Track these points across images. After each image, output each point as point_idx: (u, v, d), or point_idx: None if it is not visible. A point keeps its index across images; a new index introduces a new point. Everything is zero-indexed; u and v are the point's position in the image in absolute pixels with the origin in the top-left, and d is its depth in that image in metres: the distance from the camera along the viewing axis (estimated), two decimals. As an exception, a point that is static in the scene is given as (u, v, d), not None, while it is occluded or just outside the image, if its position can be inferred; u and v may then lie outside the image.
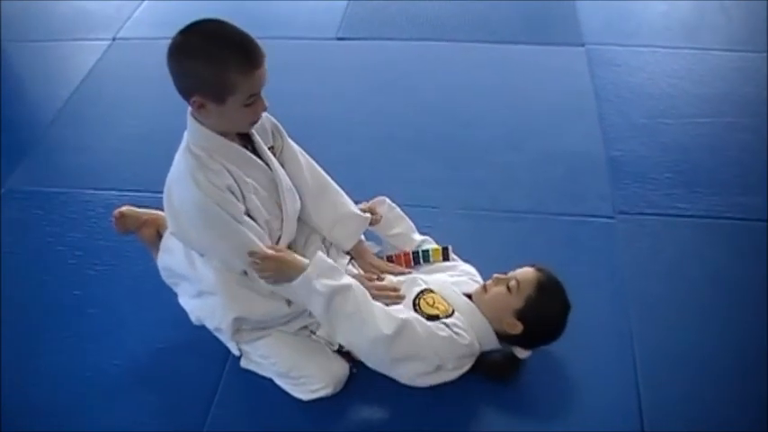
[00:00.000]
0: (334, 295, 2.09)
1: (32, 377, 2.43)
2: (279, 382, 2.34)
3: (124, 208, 2.55)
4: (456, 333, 2.19)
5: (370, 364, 2.21)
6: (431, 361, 2.16)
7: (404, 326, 2.12)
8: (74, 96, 3.79)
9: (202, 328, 2.41)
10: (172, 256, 2.38)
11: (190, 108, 2.10)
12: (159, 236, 2.49)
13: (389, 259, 2.54)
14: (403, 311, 2.19)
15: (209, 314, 2.30)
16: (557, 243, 2.80)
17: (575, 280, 2.35)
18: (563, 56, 3.97)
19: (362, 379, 2.32)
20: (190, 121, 2.13)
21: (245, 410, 2.31)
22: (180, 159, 2.16)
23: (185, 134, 2.17)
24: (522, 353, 2.31)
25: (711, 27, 4.18)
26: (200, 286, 2.29)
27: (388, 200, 2.60)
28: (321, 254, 2.18)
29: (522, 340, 2.27)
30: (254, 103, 2.04)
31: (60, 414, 2.32)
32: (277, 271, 2.14)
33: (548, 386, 2.35)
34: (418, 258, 2.52)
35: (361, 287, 2.16)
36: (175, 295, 2.47)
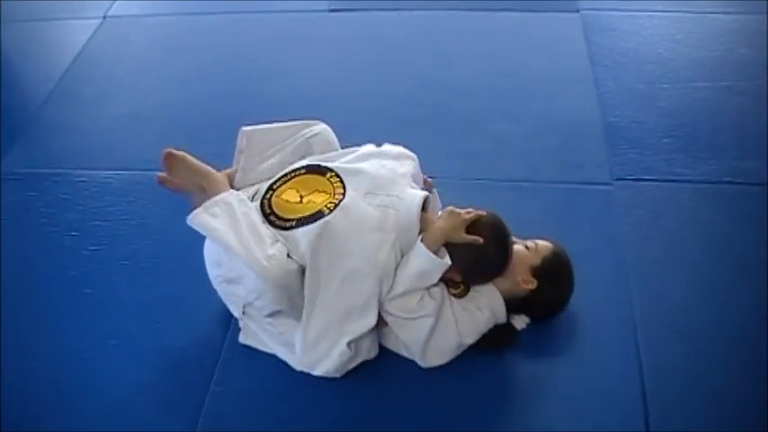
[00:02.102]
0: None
1: (29, 359, 2.42)
2: (281, 351, 2.33)
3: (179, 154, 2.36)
4: (478, 308, 2.26)
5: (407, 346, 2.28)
6: (454, 338, 2.23)
7: (444, 297, 2.24)
8: (65, 76, 3.75)
9: (198, 306, 2.45)
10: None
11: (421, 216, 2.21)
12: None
13: None
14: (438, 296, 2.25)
15: (254, 290, 2.20)
16: (554, 211, 2.78)
17: (573, 247, 2.35)
18: (557, 22, 3.93)
19: (364, 361, 2.31)
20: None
21: (245, 388, 2.31)
22: (382, 246, 2.17)
23: (395, 219, 2.21)
24: (520, 323, 2.34)
25: (708, -11, 4.14)
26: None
27: None
28: None
29: (530, 303, 2.31)
30: None
31: (57, 395, 2.31)
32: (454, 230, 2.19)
33: (546, 354, 2.34)
34: None
35: None
36: (171, 274, 2.45)
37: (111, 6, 4.28)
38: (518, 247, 2.32)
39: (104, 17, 4.20)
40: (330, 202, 2.24)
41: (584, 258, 2.48)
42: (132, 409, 2.26)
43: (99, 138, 3.35)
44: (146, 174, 3.06)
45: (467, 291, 2.28)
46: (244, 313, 2.35)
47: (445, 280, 2.23)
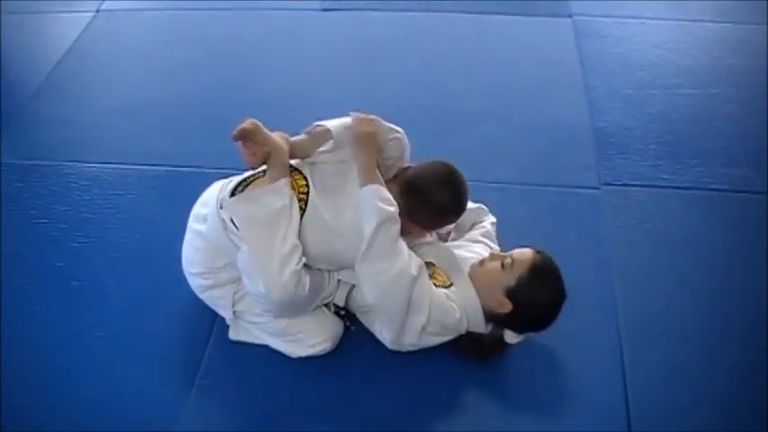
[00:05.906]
0: (385, 221, 2.14)
1: (16, 350, 2.41)
2: (273, 342, 2.35)
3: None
4: (451, 303, 2.20)
5: (372, 300, 2.17)
6: (424, 318, 2.15)
7: (422, 272, 2.18)
8: (56, 69, 3.75)
9: (184, 300, 2.45)
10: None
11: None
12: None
13: None
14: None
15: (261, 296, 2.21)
16: (542, 214, 2.79)
17: (559, 250, 2.35)
18: (549, 27, 3.95)
19: (348, 350, 2.34)
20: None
21: (230, 381, 2.31)
22: None
23: None
24: (511, 338, 2.28)
25: (699, -2, 4.17)
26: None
27: None
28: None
29: (510, 321, 2.25)
30: None
31: (41, 386, 2.31)
32: (368, 145, 2.34)
33: (529, 357, 2.35)
34: None
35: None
36: (158, 267, 2.50)
37: (104, 1, 4.28)
38: (494, 264, 2.24)
39: (97, 11, 4.20)
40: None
41: (570, 261, 2.48)
42: (117, 401, 2.26)
43: (89, 130, 3.35)
44: (135, 167, 3.07)
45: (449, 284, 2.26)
46: (234, 313, 2.35)
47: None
